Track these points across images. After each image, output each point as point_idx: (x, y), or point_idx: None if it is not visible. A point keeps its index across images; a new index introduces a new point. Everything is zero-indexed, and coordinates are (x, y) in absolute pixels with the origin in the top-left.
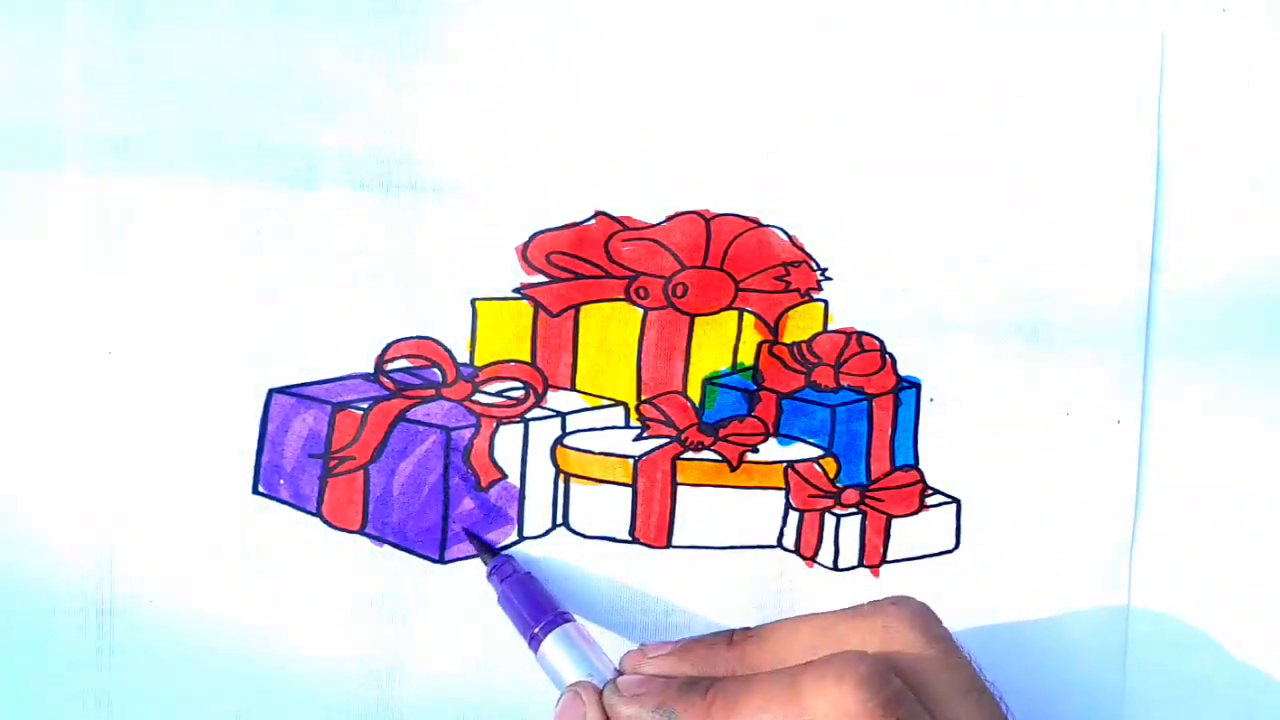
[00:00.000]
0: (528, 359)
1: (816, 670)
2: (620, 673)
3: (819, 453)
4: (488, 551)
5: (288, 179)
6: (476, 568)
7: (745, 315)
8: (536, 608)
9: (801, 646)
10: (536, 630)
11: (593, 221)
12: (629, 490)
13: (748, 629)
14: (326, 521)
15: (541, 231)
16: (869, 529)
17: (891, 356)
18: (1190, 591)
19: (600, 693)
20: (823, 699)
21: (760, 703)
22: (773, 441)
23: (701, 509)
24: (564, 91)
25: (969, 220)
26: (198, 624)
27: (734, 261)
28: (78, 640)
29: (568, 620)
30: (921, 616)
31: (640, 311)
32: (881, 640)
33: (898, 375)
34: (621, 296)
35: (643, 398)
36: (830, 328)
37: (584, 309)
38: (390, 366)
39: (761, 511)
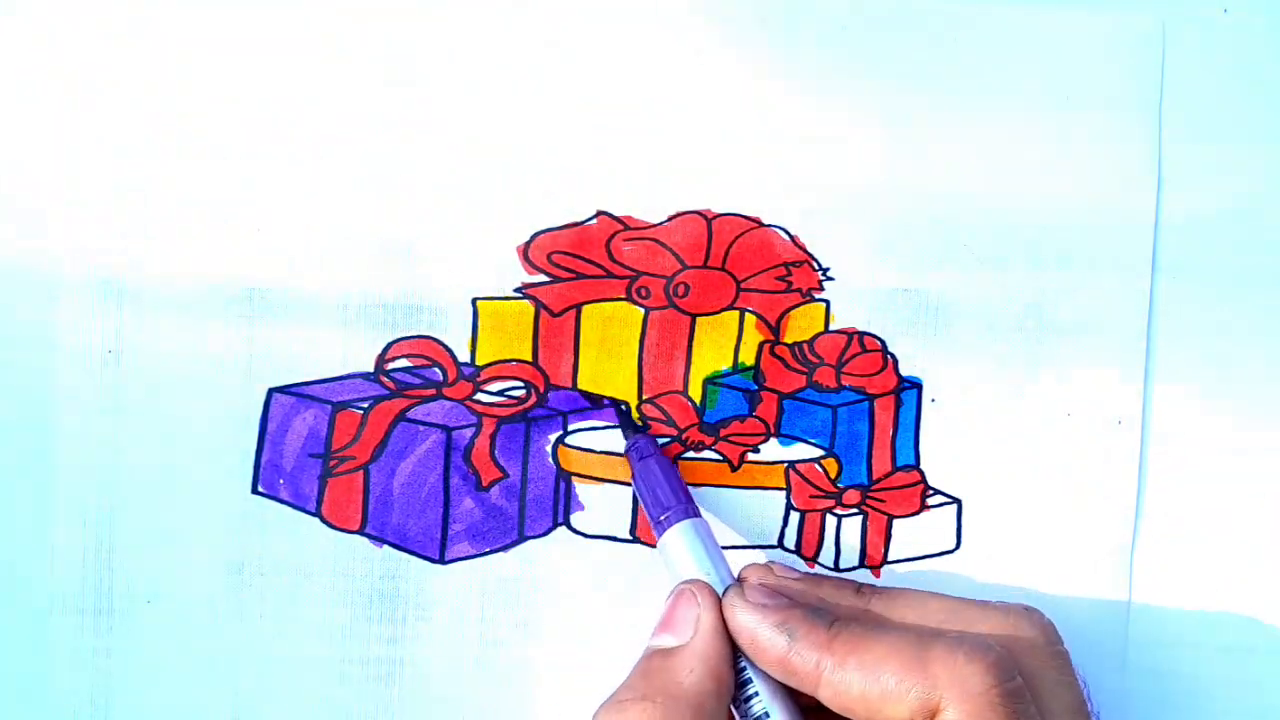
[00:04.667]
0: (529, 358)
1: (950, 642)
2: (739, 581)
3: (820, 453)
4: (630, 427)
5: (288, 178)
6: (477, 567)
7: (746, 315)
8: (669, 494)
9: (928, 618)
10: (663, 517)
11: (594, 221)
12: (630, 490)
13: (874, 585)
14: (326, 521)
15: (543, 231)
16: (870, 529)
17: (893, 357)
18: (1191, 592)
19: (718, 597)
20: (950, 671)
21: (885, 653)
22: (774, 441)
23: (702, 509)
24: (565, 91)
25: (970, 220)
26: (196, 624)
27: (735, 261)
28: (76, 641)
29: (697, 515)
30: (1049, 630)
31: (641, 311)
32: (1008, 638)
33: (899, 375)
34: (623, 296)
35: (644, 397)
36: (831, 328)
37: (585, 309)
38: (391, 366)
39: (762, 512)
